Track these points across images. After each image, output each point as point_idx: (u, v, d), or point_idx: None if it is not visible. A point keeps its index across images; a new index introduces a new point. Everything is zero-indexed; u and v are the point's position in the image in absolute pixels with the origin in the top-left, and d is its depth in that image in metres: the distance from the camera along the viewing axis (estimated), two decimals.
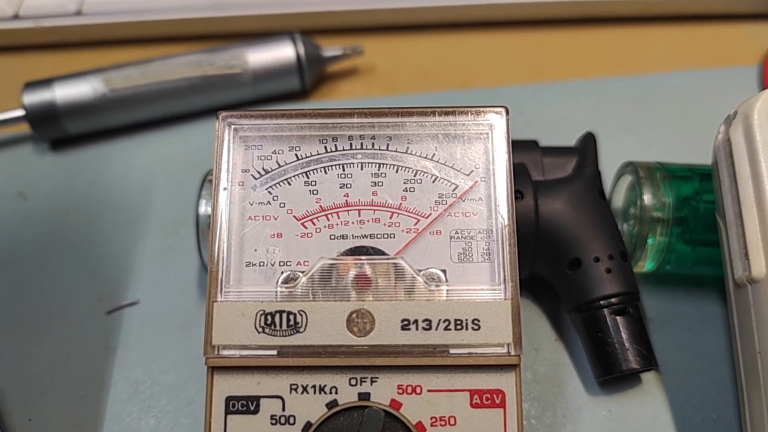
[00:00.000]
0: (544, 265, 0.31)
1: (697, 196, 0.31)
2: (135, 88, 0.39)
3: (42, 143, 0.41)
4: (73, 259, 0.36)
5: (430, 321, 0.25)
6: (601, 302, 0.29)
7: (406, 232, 0.26)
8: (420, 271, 0.26)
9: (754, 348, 0.25)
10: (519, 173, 0.31)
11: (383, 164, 0.27)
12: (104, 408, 0.31)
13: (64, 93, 0.39)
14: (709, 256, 0.30)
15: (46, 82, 0.39)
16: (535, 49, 0.45)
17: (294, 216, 0.27)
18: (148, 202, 0.38)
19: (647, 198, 0.31)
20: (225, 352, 0.25)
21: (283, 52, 0.40)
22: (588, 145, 0.33)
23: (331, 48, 0.42)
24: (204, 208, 0.31)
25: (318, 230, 0.26)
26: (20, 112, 0.39)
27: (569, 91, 0.42)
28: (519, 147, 0.32)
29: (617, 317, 0.29)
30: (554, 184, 0.31)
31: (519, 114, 0.41)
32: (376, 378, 0.25)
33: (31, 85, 0.39)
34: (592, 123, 0.39)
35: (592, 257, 0.29)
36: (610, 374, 0.29)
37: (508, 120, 0.27)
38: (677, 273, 0.32)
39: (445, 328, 0.25)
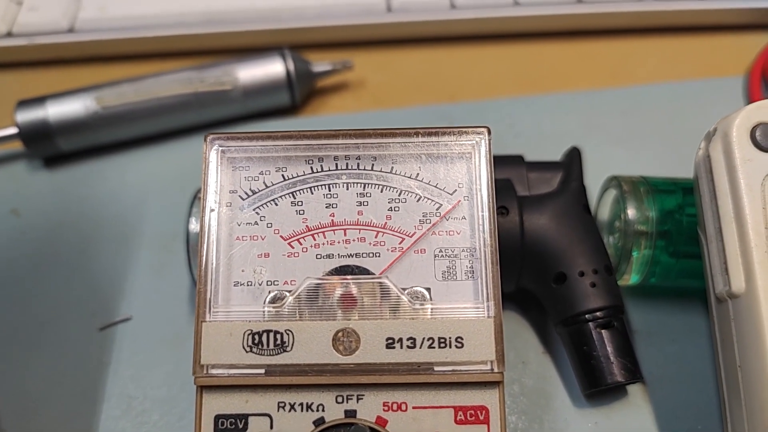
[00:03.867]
0: (530, 280, 0.31)
1: (680, 210, 0.31)
2: (126, 106, 0.39)
3: (35, 160, 0.41)
4: (67, 275, 0.36)
5: (414, 339, 0.25)
6: (587, 316, 0.29)
7: (391, 251, 0.27)
8: (405, 289, 0.26)
9: (734, 361, 0.26)
10: (504, 189, 0.31)
11: (368, 184, 0.27)
12: (97, 424, 0.31)
13: (56, 111, 0.39)
14: (694, 268, 0.31)
15: (39, 100, 0.39)
16: (524, 62, 0.45)
17: (281, 236, 0.27)
18: (140, 218, 0.38)
19: (631, 212, 0.31)
20: (213, 371, 0.25)
21: (273, 67, 0.41)
22: (573, 159, 0.33)
23: (320, 63, 0.42)
24: (194, 226, 0.31)
25: (304, 250, 0.27)
26: (13, 130, 0.39)
27: (558, 103, 0.43)
28: (504, 162, 0.32)
29: (602, 331, 0.29)
30: (539, 199, 0.31)
31: (508, 126, 0.41)
32: (362, 395, 0.25)
33: (24, 103, 0.39)
34: (581, 135, 0.40)
35: (577, 271, 0.30)
36: (596, 387, 0.29)
37: (490, 140, 0.27)
38: (662, 285, 0.33)
39: (429, 346, 0.25)
